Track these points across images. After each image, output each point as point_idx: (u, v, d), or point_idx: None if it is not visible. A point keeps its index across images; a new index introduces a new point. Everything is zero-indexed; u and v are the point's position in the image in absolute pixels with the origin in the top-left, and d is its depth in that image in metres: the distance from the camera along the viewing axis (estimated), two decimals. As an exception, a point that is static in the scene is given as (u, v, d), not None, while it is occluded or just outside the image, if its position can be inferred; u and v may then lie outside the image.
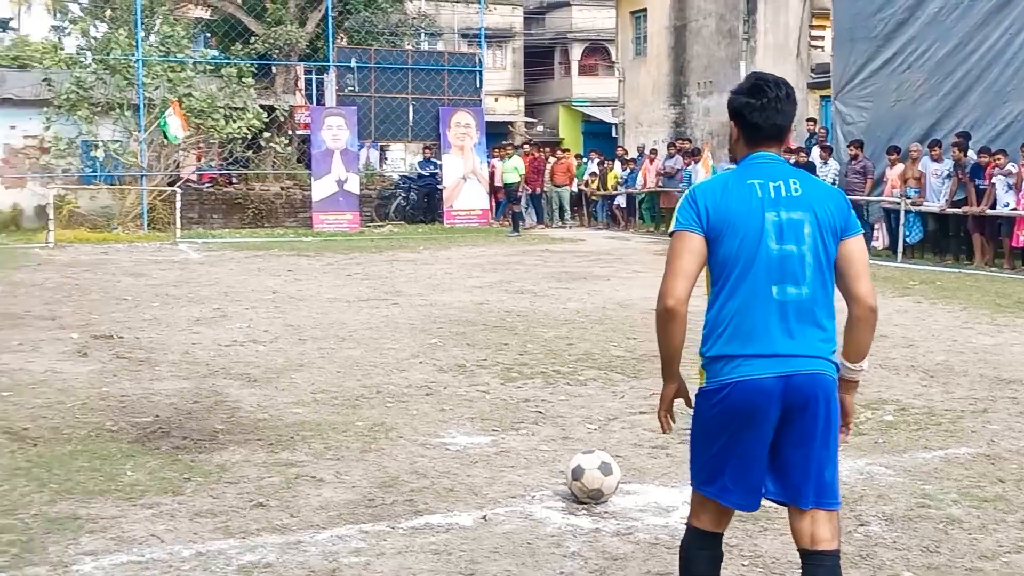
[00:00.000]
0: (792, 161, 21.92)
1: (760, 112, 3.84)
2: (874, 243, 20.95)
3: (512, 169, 26.61)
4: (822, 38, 26.92)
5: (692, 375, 3.83)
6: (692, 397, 3.88)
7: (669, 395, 3.94)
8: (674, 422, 3.97)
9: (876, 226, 21.11)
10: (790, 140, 22.88)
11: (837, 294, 3.81)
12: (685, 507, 5.35)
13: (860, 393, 8.21)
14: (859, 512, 5.64)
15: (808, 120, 24.99)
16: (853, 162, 21.32)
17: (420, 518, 5.53)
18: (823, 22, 26.47)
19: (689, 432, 3.90)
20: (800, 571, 3.87)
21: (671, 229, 3.87)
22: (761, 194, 3.77)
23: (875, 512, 5.66)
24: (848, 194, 19.94)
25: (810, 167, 21.67)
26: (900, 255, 19.64)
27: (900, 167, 20.20)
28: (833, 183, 21.22)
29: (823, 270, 3.77)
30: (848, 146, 21.75)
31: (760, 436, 3.72)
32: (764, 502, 3.88)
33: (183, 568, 4.84)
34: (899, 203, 19.78)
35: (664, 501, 5.84)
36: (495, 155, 29.56)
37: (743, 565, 4.90)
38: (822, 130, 23.90)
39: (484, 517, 5.54)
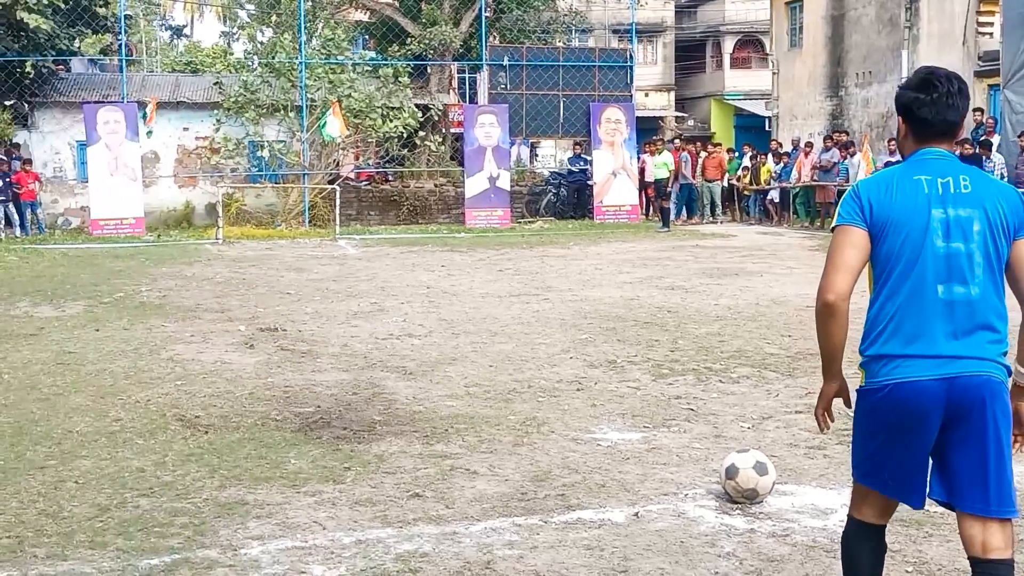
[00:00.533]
0: (958, 153, 21.36)
1: (930, 107, 3.73)
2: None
3: (662, 164, 26.52)
4: (991, 24, 25.97)
5: (852, 373, 3.81)
6: (852, 397, 3.82)
7: (829, 394, 3.87)
8: (832, 421, 3.91)
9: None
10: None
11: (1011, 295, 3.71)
12: (844, 510, 5.30)
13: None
14: None
15: (975, 110, 24.22)
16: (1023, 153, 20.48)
17: (572, 513, 5.60)
18: (991, 7, 25.50)
19: (849, 432, 3.87)
20: None
21: (833, 224, 3.80)
22: (928, 190, 3.67)
23: None
24: (1019, 187, 19.35)
25: (975, 160, 21.07)
26: None
27: None
28: (1001, 177, 20.60)
29: (994, 270, 3.64)
30: (1019, 136, 20.86)
31: (920, 439, 3.65)
32: (934, 506, 3.79)
33: (344, 555, 5.01)
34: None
35: (822, 503, 5.76)
36: (645, 151, 29.48)
37: (907, 571, 4.81)
38: (990, 120, 23.13)
39: (636, 514, 5.58)
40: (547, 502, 5.79)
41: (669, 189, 26.98)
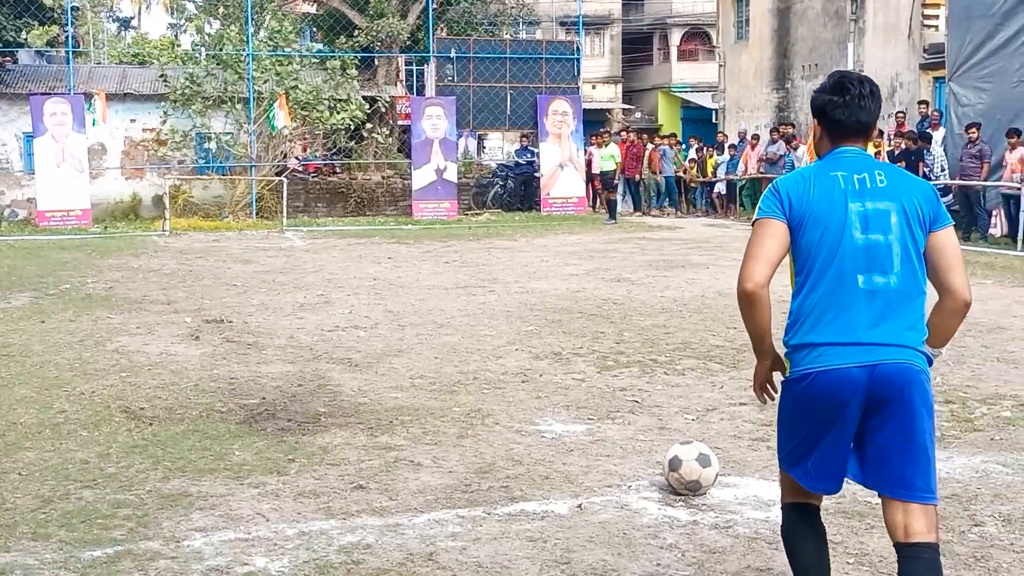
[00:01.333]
0: (903, 145, 21.57)
1: (843, 109, 3.87)
2: (992, 230, 20.39)
3: (608, 157, 26.58)
4: (936, 17, 26.16)
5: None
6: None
7: (763, 370, 4.02)
8: (776, 392, 4.02)
9: (994, 212, 20.39)
10: (904, 125, 22.16)
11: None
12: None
13: (975, 387, 8.18)
14: (973, 512, 5.51)
15: (920, 103, 24.50)
16: (969, 145, 20.49)
17: (516, 505, 5.63)
18: (937, 0, 25.77)
19: None
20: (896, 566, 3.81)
21: (754, 218, 3.92)
22: (844, 185, 3.79)
23: (991, 512, 5.52)
24: (963, 179, 19.53)
25: (919, 153, 21.28)
26: (1020, 243, 18.79)
27: (1021, 150, 19.29)
28: (942, 170, 20.85)
29: (912, 260, 3.74)
30: (966, 129, 20.99)
31: (844, 425, 3.73)
32: (874, 497, 3.85)
33: (287, 547, 5.01)
34: (1019, 188, 19.02)
35: (765, 495, 5.79)
36: (592, 143, 29.59)
37: (848, 563, 4.86)
38: (935, 113, 23.34)
39: (580, 506, 5.62)
40: (491, 494, 5.82)
41: (616, 181, 27.07)
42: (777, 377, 4.02)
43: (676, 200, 28.95)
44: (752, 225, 3.92)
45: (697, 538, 5.19)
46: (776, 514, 5.35)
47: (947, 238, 3.81)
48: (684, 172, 29.38)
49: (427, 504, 5.64)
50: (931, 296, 3.83)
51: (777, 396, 4.00)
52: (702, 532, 5.28)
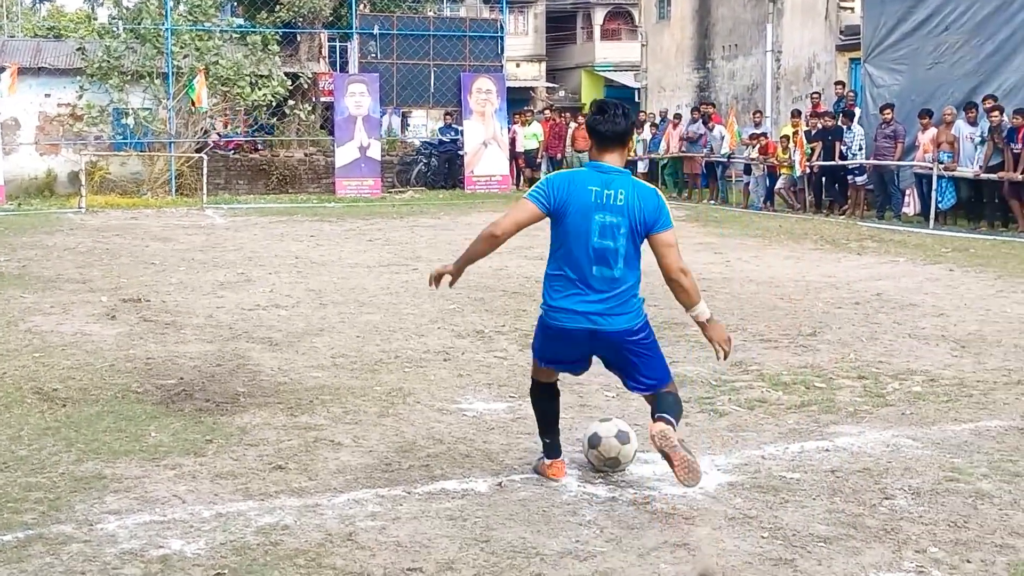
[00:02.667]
0: (820, 125, 21.84)
1: (604, 123, 5.40)
2: (905, 209, 20.74)
3: (531, 135, 26.53)
4: (852, -1, 26.57)
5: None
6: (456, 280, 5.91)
7: (445, 270, 5.85)
8: (436, 287, 5.99)
9: (908, 192, 20.76)
10: (820, 105, 22.53)
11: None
12: (704, 476, 5.45)
13: (887, 363, 8.31)
14: (884, 485, 5.57)
15: (837, 83, 24.79)
16: (884, 126, 20.76)
17: (436, 483, 5.62)
18: (853, -19, 26.07)
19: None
20: None
21: (525, 195, 5.50)
22: (595, 199, 5.30)
23: (901, 485, 5.57)
24: (878, 159, 19.87)
25: (837, 132, 21.56)
26: (932, 222, 19.11)
27: (933, 131, 19.57)
28: (860, 148, 21.13)
29: (630, 259, 5.38)
30: (880, 110, 21.28)
31: (576, 353, 5.58)
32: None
33: (203, 528, 4.95)
34: (931, 168, 19.31)
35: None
36: (516, 121, 29.58)
37: (763, 537, 4.89)
38: (851, 94, 23.65)
39: (500, 484, 5.62)
40: (411, 473, 5.80)
41: (539, 160, 27.05)
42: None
43: None
44: (523, 197, 5.50)
45: (616, 514, 5.21)
46: (694, 490, 5.43)
47: (665, 237, 5.38)
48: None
49: (347, 484, 5.60)
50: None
51: (438, 288, 6.04)
52: (620, 508, 5.30)
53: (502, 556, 4.67)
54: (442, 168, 29.67)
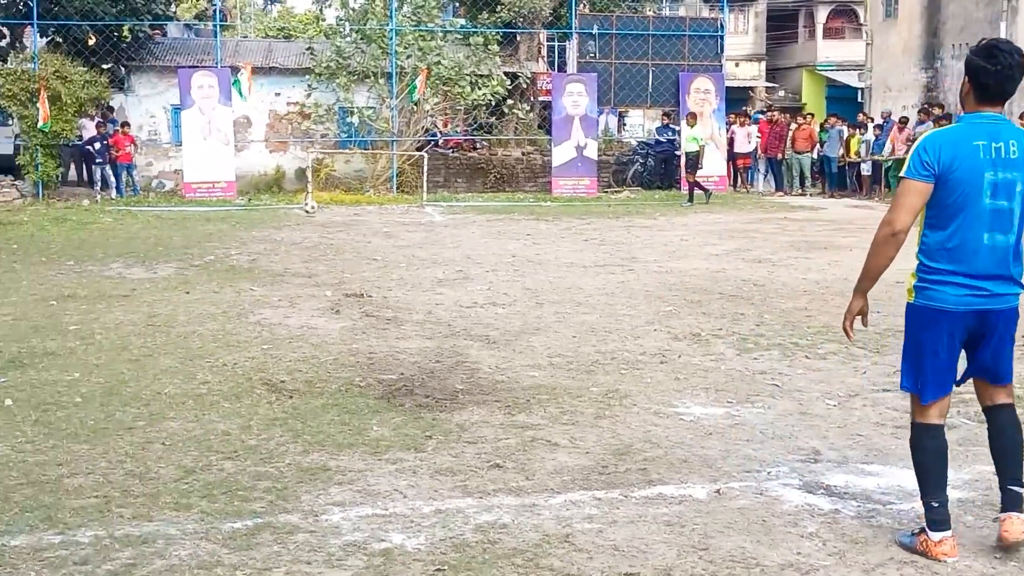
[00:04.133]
0: None
1: (993, 76, 4.58)
2: None
3: (691, 139, 25.59)
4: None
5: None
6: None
7: (857, 308, 5.04)
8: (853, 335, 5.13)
9: None
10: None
11: None
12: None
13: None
14: None
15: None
16: None
17: (653, 488, 5.56)
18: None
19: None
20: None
21: (902, 173, 4.68)
22: (983, 155, 4.55)
23: None
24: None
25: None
26: None
27: None
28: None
29: None
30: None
31: (956, 344, 4.73)
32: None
33: (423, 524, 5.03)
34: None
35: (909, 485, 5.56)
36: (733, 121, 29.15)
37: (996, 558, 4.68)
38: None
39: (718, 491, 5.52)
40: (628, 476, 5.76)
41: (699, 164, 25.76)
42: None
43: (832, 180, 28.15)
44: (901, 178, 4.70)
45: (839, 527, 5.07)
46: (920, 505, 5.20)
47: None
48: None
49: (564, 485, 5.60)
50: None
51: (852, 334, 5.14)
52: (844, 521, 5.15)
53: (720, 565, 4.60)
54: (658, 168, 29.47)
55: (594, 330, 9.81)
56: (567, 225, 19.75)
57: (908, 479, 5.67)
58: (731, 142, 28.82)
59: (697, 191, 24.74)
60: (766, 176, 29.52)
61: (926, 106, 27.27)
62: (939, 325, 4.67)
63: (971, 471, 5.86)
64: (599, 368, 8.34)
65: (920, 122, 25.84)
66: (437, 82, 27.18)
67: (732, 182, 29.34)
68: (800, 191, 28.17)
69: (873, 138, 27.14)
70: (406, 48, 27.57)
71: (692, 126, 25.62)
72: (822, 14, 49.27)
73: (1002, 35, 26.85)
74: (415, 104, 26.73)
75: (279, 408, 7.06)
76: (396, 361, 8.49)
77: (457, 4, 36.38)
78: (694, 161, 25.27)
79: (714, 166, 28.39)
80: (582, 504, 5.31)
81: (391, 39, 27.29)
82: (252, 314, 10.48)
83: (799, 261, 14.52)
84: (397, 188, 27.05)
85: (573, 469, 5.86)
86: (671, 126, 29.61)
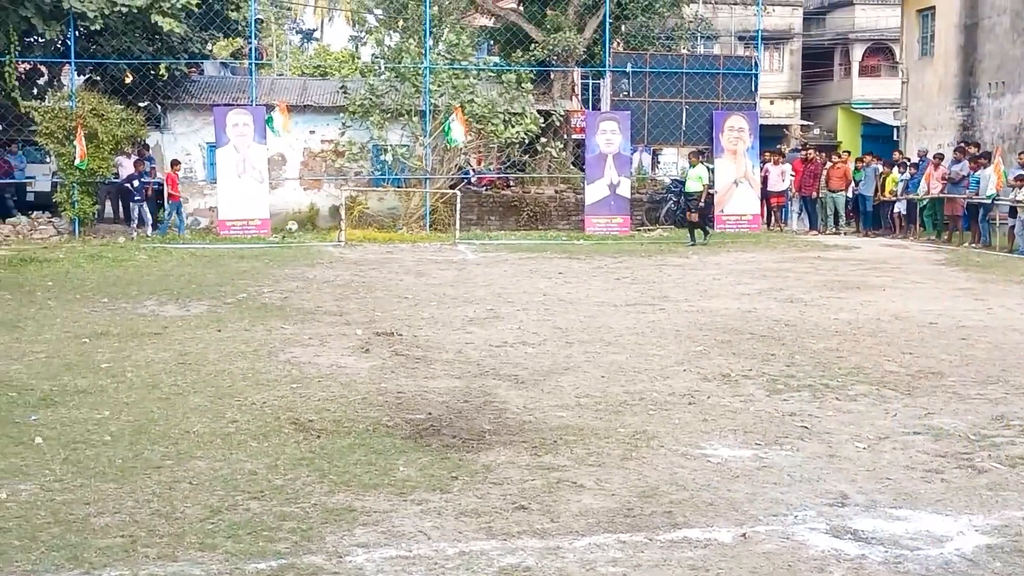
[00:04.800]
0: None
1: None
2: None
3: (696, 178, 25.29)
4: None
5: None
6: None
7: None
8: None
9: None
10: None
11: None
12: (960, 537, 5.18)
13: None
14: None
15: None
16: None
17: (678, 531, 5.54)
18: None
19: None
20: None
21: None
22: None
23: None
24: None
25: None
26: None
27: None
28: None
29: None
30: None
31: None
32: None
33: (447, 566, 5.02)
34: None
35: (937, 530, 5.59)
36: (767, 160, 29.11)
37: None
38: None
39: (744, 535, 5.49)
40: (653, 519, 5.73)
41: (701, 203, 25.40)
42: None
43: (867, 219, 27.97)
44: None
45: (865, 573, 5.03)
46: (949, 551, 5.17)
47: None
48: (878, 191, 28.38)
49: (588, 527, 5.58)
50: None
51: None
52: (871, 567, 5.11)
53: (745, 612, 4.56)
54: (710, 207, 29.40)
55: (623, 370, 9.79)
56: (599, 263, 19.75)
57: (937, 524, 5.65)
58: (765, 180, 28.74)
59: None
60: (800, 215, 29.40)
61: (962, 144, 27.13)
62: None
63: (1000, 516, 5.80)
64: (627, 409, 8.31)
65: (956, 160, 25.72)
66: (471, 119, 27.30)
67: (766, 221, 29.26)
68: (834, 230, 28.04)
69: (909, 177, 27.01)
70: (440, 86, 27.73)
71: (694, 165, 25.42)
72: (858, 52, 49.22)
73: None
74: (451, 144, 26.85)
75: (306, 447, 7.07)
76: (424, 401, 8.50)
77: (491, 43, 36.59)
78: (696, 201, 25.04)
79: (748, 205, 28.35)
80: (606, 547, 5.30)
81: (425, 77, 27.48)
82: (282, 352, 10.52)
83: (831, 301, 14.43)
84: (430, 226, 27.14)
85: (598, 511, 5.84)
86: (705, 164, 29.58)
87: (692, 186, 25.16)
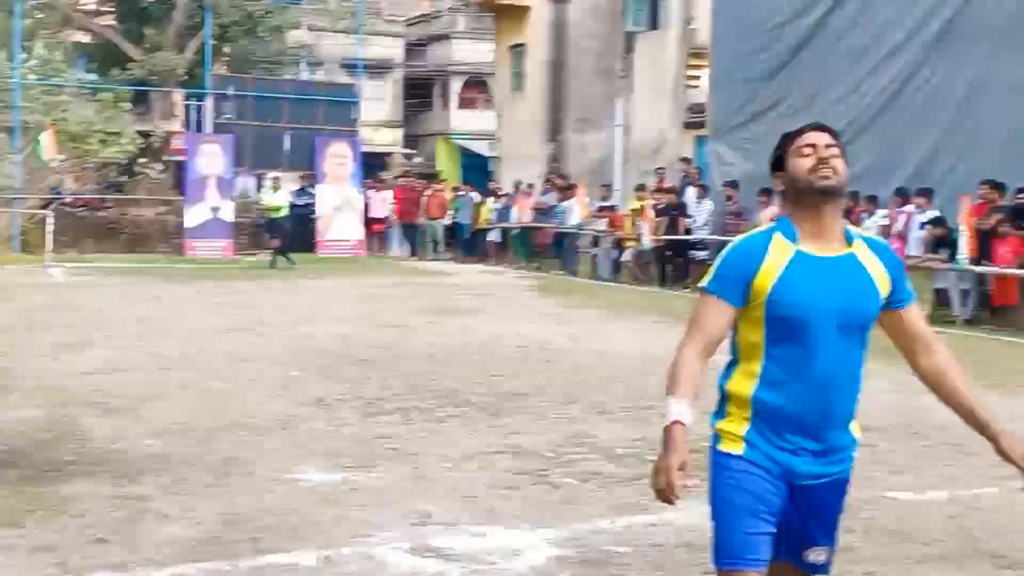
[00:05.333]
0: (663, 202, 22.30)
1: None
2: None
3: (275, 206, 25.39)
4: (698, 78, 27.23)
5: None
6: None
7: None
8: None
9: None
10: (664, 181, 23.08)
11: None
12: (533, 550, 5.48)
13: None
14: (704, 559, 5.61)
15: (682, 160, 25.40)
16: (728, 203, 21.44)
17: (262, 557, 5.54)
18: (700, 62, 26.67)
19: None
20: None
21: None
22: None
23: None
24: (724, 235, 20.10)
25: (681, 207, 22.11)
26: None
27: (773, 209, 19.94)
28: (705, 224, 21.68)
29: None
30: (724, 186, 21.81)
31: None
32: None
33: (17, 605, 4.82)
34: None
35: (514, 544, 5.84)
36: (369, 186, 29.65)
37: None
38: (695, 170, 24.10)
39: (327, 557, 5.58)
40: (238, 546, 5.71)
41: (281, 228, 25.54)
42: None
43: (465, 246, 28.92)
44: None
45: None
46: (523, 563, 5.47)
47: None
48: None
49: (170, 557, 5.50)
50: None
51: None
52: (451, 584, 5.31)
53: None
54: (296, 231, 29.42)
55: (217, 397, 9.69)
56: (199, 288, 19.41)
57: (513, 538, 5.95)
58: (367, 207, 29.22)
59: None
60: (401, 242, 30.10)
61: (550, 177, 28.66)
62: None
63: (570, 529, 6.18)
64: (218, 436, 8.23)
65: (544, 191, 27.14)
66: (64, 138, 26.16)
67: (368, 247, 29.72)
68: (434, 256, 28.89)
69: (502, 206, 28.24)
70: (32, 102, 26.45)
71: (277, 190, 25.47)
72: (456, 84, 50.96)
73: (618, 112, 28.72)
74: (42, 161, 25.61)
75: None
76: (0, 433, 8.07)
77: (88, 59, 35.21)
78: (278, 226, 25.02)
79: (351, 230, 28.72)
80: (187, 577, 5.24)
81: (14, 92, 26.08)
82: None
83: (428, 325, 14.86)
84: (22, 248, 25.73)
85: (182, 540, 5.76)
86: (308, 190, 29.70)
87: (272, 212, 25.05)
